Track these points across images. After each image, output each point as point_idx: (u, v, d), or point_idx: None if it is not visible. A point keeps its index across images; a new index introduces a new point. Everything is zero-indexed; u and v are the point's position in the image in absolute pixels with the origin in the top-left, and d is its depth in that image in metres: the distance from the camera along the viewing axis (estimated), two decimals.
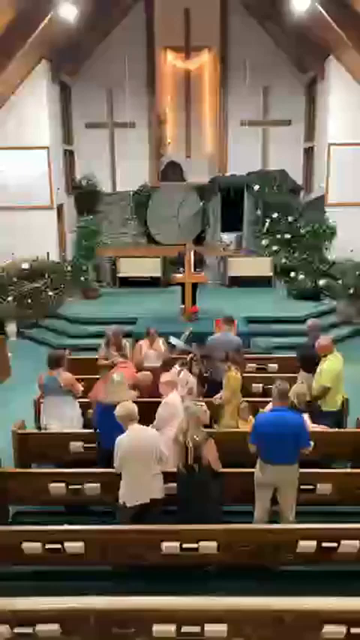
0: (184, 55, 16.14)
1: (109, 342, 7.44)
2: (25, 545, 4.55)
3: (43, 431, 6.35)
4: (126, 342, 7.77)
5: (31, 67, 13.12)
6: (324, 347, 6.41)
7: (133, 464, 4.79)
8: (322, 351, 6.40)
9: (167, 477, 5.04)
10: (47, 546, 4.56)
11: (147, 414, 5.61)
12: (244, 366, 6.98)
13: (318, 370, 6.40)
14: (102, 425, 5.58)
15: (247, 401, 6.57)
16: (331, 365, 6.30)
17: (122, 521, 4.86)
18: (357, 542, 4.58)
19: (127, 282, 14.55)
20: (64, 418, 6.22)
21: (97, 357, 7.60)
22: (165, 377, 5.99)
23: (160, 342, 7.89)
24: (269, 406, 5.78)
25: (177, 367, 6.73)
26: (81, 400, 6.46)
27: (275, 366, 8.28)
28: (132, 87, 15.68)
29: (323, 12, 11.66)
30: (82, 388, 6.39)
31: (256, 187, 14.95)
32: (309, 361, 6.66)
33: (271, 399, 5.81)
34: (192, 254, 11.03)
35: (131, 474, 4.82)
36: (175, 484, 5.01)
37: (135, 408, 4.94)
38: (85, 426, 6.38)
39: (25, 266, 12.42)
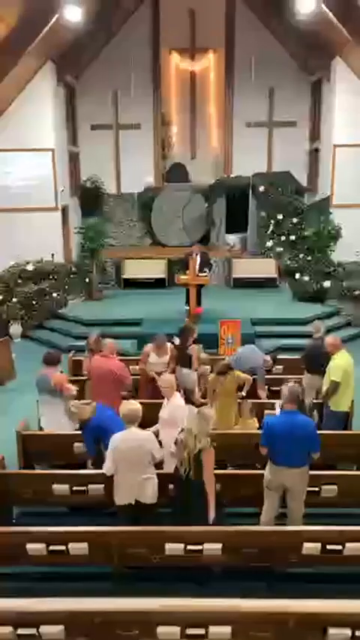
0: (190, 57, 16.16)
1: (91, 350, 7.06)
2: (29, 546, 4.54)
3: (43, 432, 6.34)
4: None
5: (36, 69, 13.17)
6: (331, 345, 6.51)
7: (124, 464, 4.73)
8: (330, 350, 6.50)
9: (165, 478, 5.02)
10: (51, 547, 4.55)
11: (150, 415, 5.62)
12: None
13: (327, 369, 6.45)
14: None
15: (251, 402, 6.56)
16: (337, 362, 6.36)
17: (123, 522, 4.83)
18: None
19: (132, 284, 14.54)
20: (55, 417, 6.20)
21: (84, 367, 7.17)
22: (165, 380, 5.79)
23: (169, 347, 7.32)
24: (277, 410, 5.75)
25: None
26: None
27: (280, 367, 8.27)
28: (137, 88, 15.74)
29: (329, 13, 11.65)
30: (74, 390, 6.24)
31: (261, 188, 14.95)
32: (314, 363, 6.66)
33: (276, 400, 5.80)
34: (198, 256, 11.02)
35: (121, 473, 4.76)
36: (172, 485, 4.99)
37: (139, 409, 4.84)
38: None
39: (30, 267, 12.45)
